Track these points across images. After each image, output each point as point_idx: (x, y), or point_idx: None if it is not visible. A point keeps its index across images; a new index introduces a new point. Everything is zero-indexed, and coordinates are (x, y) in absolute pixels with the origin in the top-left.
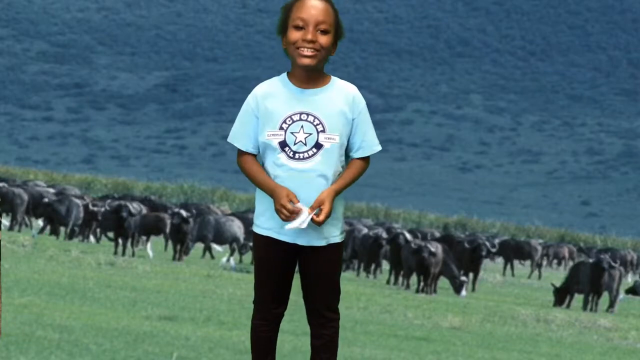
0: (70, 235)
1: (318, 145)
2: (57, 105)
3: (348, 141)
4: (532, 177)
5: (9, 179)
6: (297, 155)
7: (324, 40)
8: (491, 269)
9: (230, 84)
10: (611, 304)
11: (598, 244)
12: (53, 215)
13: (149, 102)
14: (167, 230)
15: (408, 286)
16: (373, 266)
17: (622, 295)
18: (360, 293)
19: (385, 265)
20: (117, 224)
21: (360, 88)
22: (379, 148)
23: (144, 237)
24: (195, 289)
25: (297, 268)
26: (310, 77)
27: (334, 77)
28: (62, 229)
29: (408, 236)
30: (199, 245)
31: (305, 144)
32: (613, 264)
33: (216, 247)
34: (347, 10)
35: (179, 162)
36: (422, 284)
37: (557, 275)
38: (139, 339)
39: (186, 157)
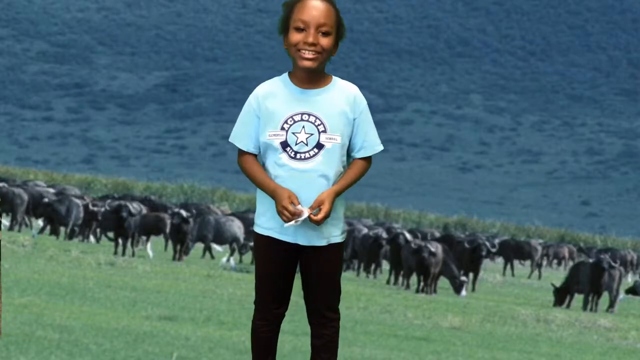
0: (70, 235)
1: (319, 146)
2: (57, 105)
3: (350, 141)
4: (532, 177)
5: (9, 179)
6: (298, 156)
7: (325, 42)
8: (491, 269)
9: (230, 84)
10: (611, 304)
11: (598, 244)
12: (53, 215)
13: (149, 102)
14: (167, 230)
15: (408, 286)
16: (373, 266)
17: (622, 295)
18: (360, 293)
19: (385, 265)
20: (117, 224)
21: (360, 88)
22: (381, 148)
23: (144, 237)
24: (195, 289)
25: (298, 268)
26: (311, 77)
27: (335, 77)
28: (62, 229)
29: (408, 236)
30: (199, 245)
31: (307, 144)
32: (613, 264)
33: (216, 247)
34: (347, 10)
35: (179, 162)
36: (422, 284)
37: (557, 275)
38: (139, 339)
39: (186, 157)
